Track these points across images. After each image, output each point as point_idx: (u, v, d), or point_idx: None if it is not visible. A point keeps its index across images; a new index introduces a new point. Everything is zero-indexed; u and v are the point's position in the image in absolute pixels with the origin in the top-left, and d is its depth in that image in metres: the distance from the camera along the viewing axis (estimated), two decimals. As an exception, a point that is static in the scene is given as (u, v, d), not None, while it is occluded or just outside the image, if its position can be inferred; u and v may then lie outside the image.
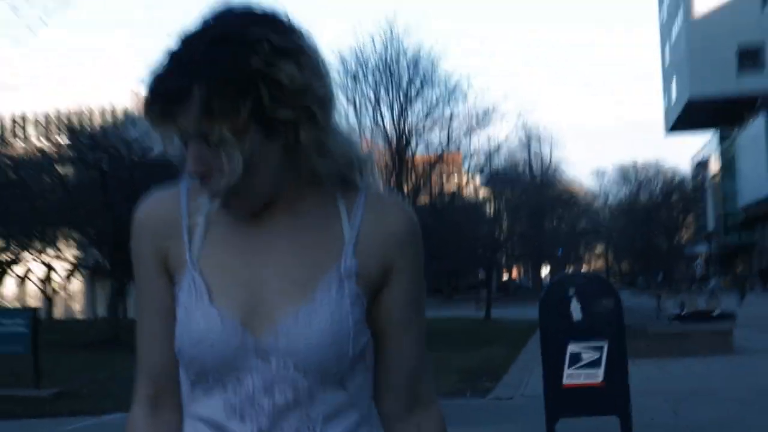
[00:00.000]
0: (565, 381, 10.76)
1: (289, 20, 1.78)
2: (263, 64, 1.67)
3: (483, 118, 43.71)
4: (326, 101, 1.77)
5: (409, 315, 1.90)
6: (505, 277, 77.69)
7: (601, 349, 10.73)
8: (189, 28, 1.82)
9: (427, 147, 44.14)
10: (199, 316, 1.76)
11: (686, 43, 79.36)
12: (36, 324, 20.15)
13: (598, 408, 10.98)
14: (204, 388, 1.82)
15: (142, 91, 1.76)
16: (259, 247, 1.84)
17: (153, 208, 1.91)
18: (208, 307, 1.76)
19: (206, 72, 1.67)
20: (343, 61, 42.24)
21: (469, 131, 44.09)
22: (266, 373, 1.75)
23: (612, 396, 10.75)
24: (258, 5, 1.81)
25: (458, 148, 46.72)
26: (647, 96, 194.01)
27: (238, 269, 1.82)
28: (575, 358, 10.75)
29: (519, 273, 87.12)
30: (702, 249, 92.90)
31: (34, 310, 24.65)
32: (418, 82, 42.18)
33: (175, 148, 1.79)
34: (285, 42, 1.72)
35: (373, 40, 45.40)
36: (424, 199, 44.24)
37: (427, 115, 42.72)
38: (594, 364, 10.74)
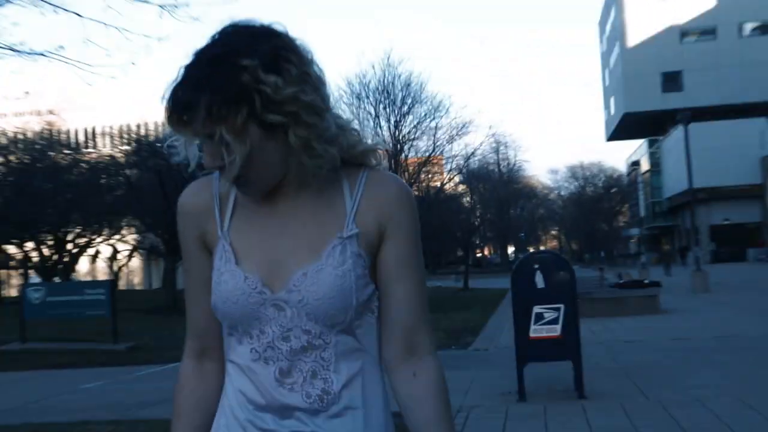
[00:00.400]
0: (532, 334, 10.91)
1: (284, 35, 1.79)
2: (252, 80, 1.67)
3: (461, 129, 43.76)
4: (314, 107, 1.74)
5: (403, 270, 1.85)
6: (479, 254, 77.41)
7: (558, 310, 10.92)
8: (198, 47, 1.87)
9: (416, 152, 44.25)
10: (228, 277, 1.78)
11: (621, 69, 79.33)
12: (113, 292, 20.83)
13: (557, 355, 11.09)
14: (236, 338, 1.82)
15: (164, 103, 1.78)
16: (276, 221, 1.82)
17: (191, 197, 1.93)
18: (234, 269, 1.77)
19: (207, 87, 1.68)
20: (350, 84, 42.12)
21: (451, 139, 44.08)
22: (283, 322, 1.75)
23: (567, 346, 10.89)
24: (257, 23, 1.82)
25: (441, 153, 46.60)
26: (592, 110, 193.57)
27: (259, 239, 1.82)
28: (539, 317, 10.91)
29: (489, 251, 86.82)
30: (635, 231, 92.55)
31: (113, 281, 25.15)
32: (409, 101, 42.09)
33: (195, 151, 1.80)
34: (273, 59, 1.71)
35: (373, 67, 45.49)
36: (414, 192, 44.47)
37: (416, 127, 42.62)
38: (553, 321, 10.91)
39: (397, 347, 1.81)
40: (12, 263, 53.15)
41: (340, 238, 1.74)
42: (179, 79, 1.75)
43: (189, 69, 1.74)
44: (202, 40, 1.80)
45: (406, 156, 43.27)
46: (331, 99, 1.78)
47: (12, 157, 36.85)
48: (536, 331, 11.00)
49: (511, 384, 11.01)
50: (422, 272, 1.88)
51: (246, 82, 1.66)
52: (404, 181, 1.88)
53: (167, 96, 1.75)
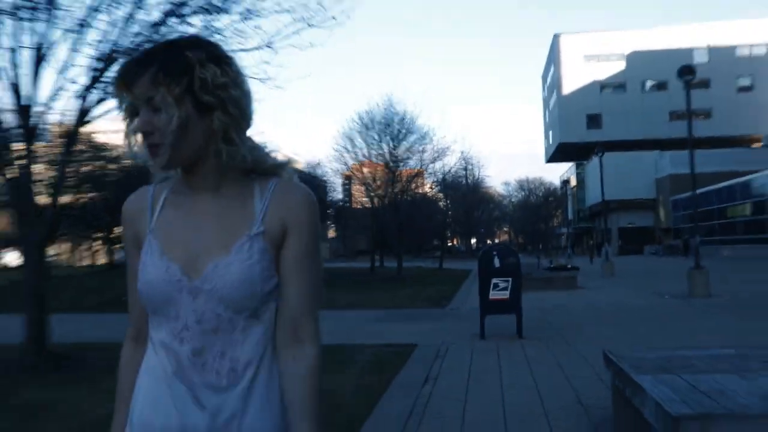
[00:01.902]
0: (490, 297, 11.50)
1: (229, 53, 1.66)
2: (196, 62, 1.55)
3: (441, 153, 44.23)
4: (240, 102, 1.61)
5: (298, 267, 1.64)
6: (450, 244, 77.37)
7: (508, 281, 11.49)
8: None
9: (408, 167, 44.80)
10: (151, 266, 1.60)
11: (558, 111, 78.74)
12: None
13: (506, 311, 11.48)
14: (158, 320, 1.62)
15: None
16: (195, 219, 1.64)
17: (129, 204, 1.73)
18: (158, 260, 1.60)
19: (156, 60, 1.55)
20: (360, 117, 42.46)
21: (433, 160, 44.55)
22: (196, 307, 1.57)
23: (512, 305, 11.41)
24: (212, 40, 1.70)
25: (426, 169, 47.10)
26: (536, 139, 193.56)
27: (181, 235, 1.63)
28: (495, 285, 11.49)
29: (457, 242, 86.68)
30: (564, 230, 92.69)
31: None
32: (403, 131, 42.46)
33: (138, 148, 1.61)
34: (216, 57, 1.60)
35: (378, 105, 46.19)
36: (407, 197, 44.74)
37: (408, 150, 42.78)
38: (504, 289, 11.48)
39: (285, 333, 1.64)
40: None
41: (248, 236, 1.59)
42: (138, 54, 1.62)
43: (143, 50, 1.63)
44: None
45: (400, 170, 43.87)
46: (252, 121, 1.66)
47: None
48: (493, 295, 11.55)
49: (475, 329, 11.54)
50: (317, 269, 1.69)
51: (190, 63, 1.55)
52: (309, 190, 1.68)
53: (119, 67, 1.62)
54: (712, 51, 72.96)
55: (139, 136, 1.55)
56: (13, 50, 8.90)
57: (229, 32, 10.33)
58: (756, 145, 69.54)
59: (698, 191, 53.88)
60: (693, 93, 63.79)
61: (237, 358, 1.56)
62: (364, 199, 46.68)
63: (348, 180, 56.88)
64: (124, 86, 1.54)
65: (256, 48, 9.57)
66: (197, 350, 1.55)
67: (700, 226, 55.89)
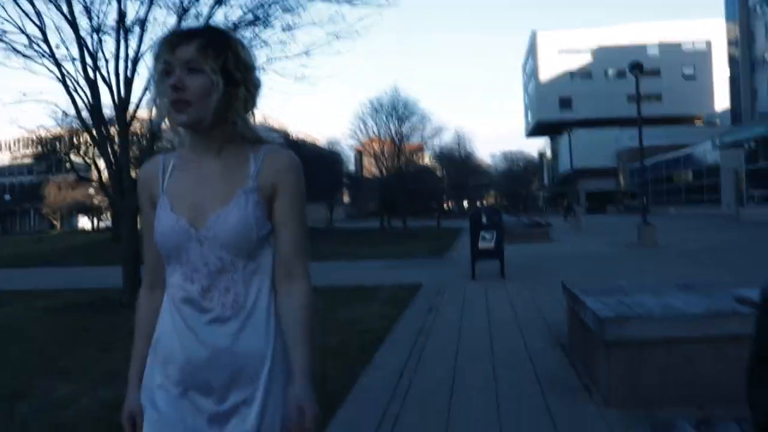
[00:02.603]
0: (479, 246, 11.94)
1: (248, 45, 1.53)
2: (233, 44, 1.56)
3: (438, 131, 44.75)
4: (257, 85, 1.61)
5: (288, 216, 1.60)
6: (445, 206, 77.94)
7: (493, 234, 11.89)
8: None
9: (410, 142, 45.25)
10: (164, 220, 1.57)
11: (535, 94, 78.48)
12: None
13: (492, 257, 11.92)
14: (172, 266, 1.59)
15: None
16: (200, 179, 1.59)
17: (144, 170, 1.68)
18: (169, 214, 1.57)
19: (203, 33, 1.55)
20: (371, 102, 42.95)
21: (432, 136, 45.08)
22: (203, 251, 1.54)
23: (497, 252, 11.86)
24: None
25: (426, 143, 47.64)
26: (518, 117, 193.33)
27: (188, 192, 1.59)
28: (483, 237, 11.90)
29: (452, 204, 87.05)
30: (541, 193, 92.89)
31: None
32: (407, 112, 43.21)
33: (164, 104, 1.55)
34: (244, 46, 1.60)
35: (386, 93, 46.63)
36: (411, 167, 45.22)
37: (411, 128, 43.67)
38: (490, 240, 11.88)
39: (280, 272, 1.60)
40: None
41: (243, 190, 1.56)
42: (185, 28, 1.61)
43: (190, 27, 1.62)
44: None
45: (405, 144, 44.41)
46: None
47: None
48: (482, 245, 11.98)
49: (468, 272, 12.02)
50: (303, 220, 1.65)
51: (228, 44, 1.55)
52: (294, 155, 1.65)
53: (168, 33, 1.59)
54: (662, 46, 72.76)
55: (169, 93, 1.51)
56: (116, 60, 9.61)
57: (273, 42, 10.99)
58: (698, 122, 69.75)
59: (649, 161, 54.35)
60: (646, 80, 63.91)
61: (239, 293, 1.54)
62: (373, 169, 47.08)
63: (359, 154, 57.16)
64: (169, 48, 1.51)
65: (297, 55, 10.24)
66: (205, 288, 1.54)
67: (651, 189, 56.39)
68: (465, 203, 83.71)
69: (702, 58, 72.70)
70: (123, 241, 10.03)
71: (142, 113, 10.64)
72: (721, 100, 64.88)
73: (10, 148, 79.30)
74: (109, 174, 10.27)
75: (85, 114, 10.49)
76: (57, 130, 26.99)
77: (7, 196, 67.79)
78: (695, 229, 27.16)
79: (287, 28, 10.88)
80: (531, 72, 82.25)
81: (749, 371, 1.52)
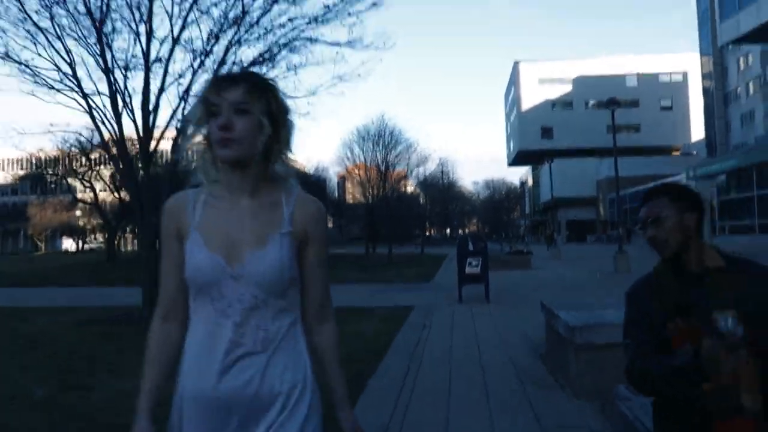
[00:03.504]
0: (466, 272, 12.83)
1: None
2: (273, 88, 1.62)
3: (423, 159, 45.60)
4: (292, 128, 1.66)
5: (317, 267, 1.67)
6: (428, 233, 78.28)
7: (479, 260, 12.77)
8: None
9: (395, 170, 46.09)
10: (199, 255, 1.57)
11: (518, 123, 79.64)
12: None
13: (477, 281, 12.75)
14: (202, 299, 1.59)
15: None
16: (235, 217, 1.61)
17: (172, 202, 1.67)
18: (204, 250, 1.57)
19: (248, 78, 1.60)
20: (359, 131, 43.81)
21: (417, 164, 45.87)
22: (237, 288, 1.56)
23: (482, 277, 12.71)
24: None
25: (411, 171, 48.39)
26: (500, 146, 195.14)
27: (222, 229, 1.60)
28: (469, 263, 12.78)
29: (434, 231, 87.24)
30: (522, 221, 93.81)
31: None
32: (393, 142, 43.99)
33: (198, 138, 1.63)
34: (280, 91, 1.65)
35: (373, 122, 47.57)
36: (395, 194, 45.90)
37: (397, 156, 44.31)
38: (476, 266, 12.76)
39: (313, 315, 1.68)
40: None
41: (280, 233, 1.60)
42: (230, 73, 1.69)
43: (233, 72, 1.72)
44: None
45: (391, 172, 45.29)
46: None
47: None
48: (468, 270, 12.87)
49: (455, 295, 12.95)
50: (328, 266, 1.73)
51: (270, 88, 1.62)
52: (321, 204, 1.72)
53: (214, 77, 1.70)
54: (641, 78, 74.75)
55: (216, 133, 1.56)
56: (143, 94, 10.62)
57: (280, 80, 12.05)
58: (675, 153, 71.56)
59: (628, 191, 55.79)
60: (624, 111, 64.90)
61: (269, 330, 1.58)
62: (357, 194, 47.82)
63: (343, 179, 57.95)
64: (216, 91, 1.57)
65: (305, 96, 11.33)
66: (238, 323, 1.56)
67: (630, 219, 57.79)
68: (448, 230, 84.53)
69: (679, 89, 74.70)
70: (143, 262, 10.90)
71: (163, 144, 11.59)
72: (698, 131, 66.91)
73: (3, 168, 79.36)
74: (131, 198, 11.19)
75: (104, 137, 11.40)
76: (54, 153, 27.75)
77: (-9, 217, 67.88)
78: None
79: (293, 68, 11.94)
80: (513, 101, 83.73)
81: (629, 364, 1.99)
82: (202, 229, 1.61)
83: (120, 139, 10.81)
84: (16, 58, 10.55)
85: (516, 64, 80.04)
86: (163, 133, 11.09)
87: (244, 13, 11.51)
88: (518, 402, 5.16)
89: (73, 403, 5.32)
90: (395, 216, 43.84)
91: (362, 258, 36.17)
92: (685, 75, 73.80)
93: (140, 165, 11.22)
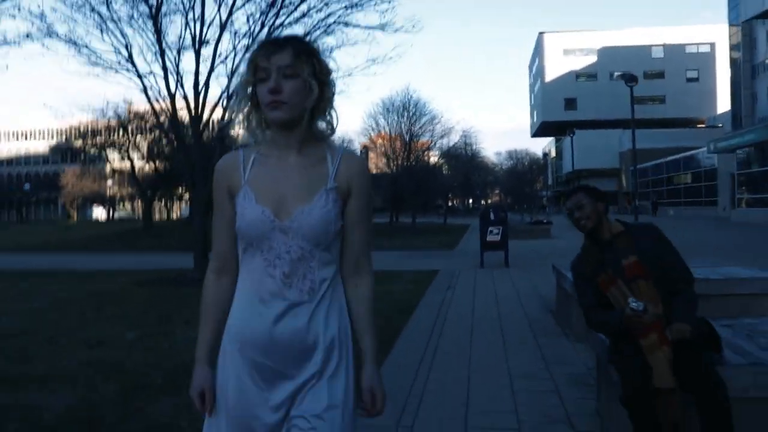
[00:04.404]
0: (487, 239, 13.79)
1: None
2: (316, 51, 1.67)
3: (447, 131, 46.15)
4: (334, 88, 1.70)
5: (358, 218, 1.70)
6: (451, 203, 78.73)
7: (500, 229, 13.72)
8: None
9: (419, 140, 46.79)
10: (249, 210, 1.63)
11: (541, 94, 79.79)
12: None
13: (498, 248, 13.73)
14: (252, 252, 1.65)
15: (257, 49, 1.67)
16: (283, 173, 1.66)
17: (223, 162, 1.73)
18: (254, 205, 1.63)
19: (294, 42, 1.65)
20: (384, 103, 44.49)
21: (441, 135, 46.46)
22: (286, 241, 1.61)
23: (502, 244, 13.70)
24: None
25: (434, 143, 49.04)
26: (524, 117, 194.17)
27: (271, 185, 1.65)
28: (491, 231, 13.73)
29: (457, 202, 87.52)
30: (545, 193, 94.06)
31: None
32: (417, 113, 44.70)
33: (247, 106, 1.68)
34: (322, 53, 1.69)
35: (398, 93, 48.21)
36: (419, 164, 46.63)
37: (421, 127, 44.99)
38: (497, 234, 13.71)
39: (350, 266, 1.72)
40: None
41: (325, 189, 1.64)
42: (278, 37, 1.71)
43: (279, 36, 1.73)
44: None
45: (416, 142, 46.03)
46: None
47: None
48: (489, 238, 13.83)
49: (477, 261, 14.01)
50: (371, 219, 1.77)
51: (315, 51, 1.67)
52: (365, 160, 1.81)
53: (262, 42, 1.71)
54: (667, 48, 74.11)
55: (267, 97, 1.61)
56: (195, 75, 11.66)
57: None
58: (700, 125, 71.24)
59: (651, 163, 55.95)
60: (650, 82, 64.67)
61: (314, 280, 1.64)
62: (380, 164, 48.51)
63: (366, 149, 58.67)
64: (264, 56, 1.62)
65: (341, 77, 12.31)
66: (286, 273, 1.62)
67: (652, 191, 58.14)
68: (470, 201, 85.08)
69: (706, 61, 74.09)
70: (194, 227, 12.06)
71: (214, 118, 12.65)
72: (724, 104, 66.53)
73: (45, 137, 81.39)
74: (188, 169, 12.30)
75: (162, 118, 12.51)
76: (93, 124, 29.05)
77: (27, 186, 69.90)
78: (685, 228, 29.07)
79: (328, 50, 12.91)
80: (537, 72, 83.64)
81: (585, 315, 3.24)
82: (253, 185, 1.67)
83: (173, 116, 11.89)
84: (80, 42, 11.64)
85: (540, 35, 79.75)
86: (214, 108, 12.16)
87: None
88: (529, 345, 6.21)
89: (161, 346, 6.41)
90: (419, 186, 44.51)
91: (387, 227, 37.22)
92: (712, 46, 72.91)
93: (192, 138, 12.29)
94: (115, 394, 4.63)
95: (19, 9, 11.35)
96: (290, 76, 1.61)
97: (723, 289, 5.93)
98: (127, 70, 11.86)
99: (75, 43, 11.78)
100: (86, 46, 11.78)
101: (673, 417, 2.78)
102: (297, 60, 1.61)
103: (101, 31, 11.38)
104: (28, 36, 12.07)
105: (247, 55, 1.70)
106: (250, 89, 1.66)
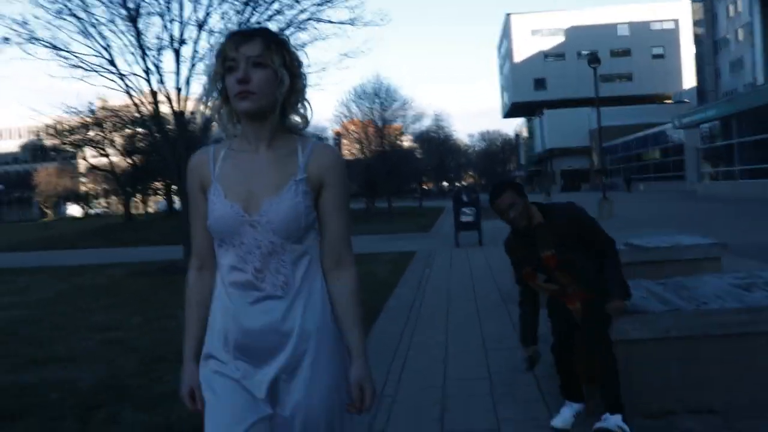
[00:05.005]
0: (461, 220, 14.42)
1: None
2: (287, 42, 1.64)
3: (419, 116, 46.71)
4: (305, 80, 1.69)
5: (334, 212, 1.67)
6: (424, 186, 78.90)
7: (473, 210, 14.36)
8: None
9: (392, 125, 47.40)
10: (219, 205, 1.61)
11: (510, 74, 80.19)
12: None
13: (471, 228, 14.35)
14: (225, 248, 1.64)
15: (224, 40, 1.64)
16: (253, 167, 1.64)
17: (195, 158, 1.72)
18: (223, 200, 1.61)
19: (264, 33, 1.63)
20: (355, 89, 44.78)
21: (413, 121, 47.03)
22: (256, 235, 1.60)
23: (476, 225, 14.34)
24: None
25: (407, 128, 49.62)
26: (494, 98, 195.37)
27: (241, 179, 1.63)
28: (464, 213, 14.39)
29: (431, 185, 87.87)
30: (518, 173, 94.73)
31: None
32: (388, 98, 45.20)
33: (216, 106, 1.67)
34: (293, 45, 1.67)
35: (369, 81, 48.69)
36: (392, 149, 47.17)
37: (392, 113, 45.54)
38: (470, 215, 14.37)
39: (330, 261, 1.69)
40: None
41: (294, 180, 1.62)
42: (245, 29, 1.71)
43: (248, 27, 1.70)
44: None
45: (388, 127, 46.59)
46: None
47: None
48: (464, 218, 14.47)
49: (452, 242, 14.62)
50: (348, 211, 1.73)
51: (285, 42, 1.65)
52: (338, 151, 1.72)
53: (232, 31, 1.68)
54: (633, 26, 75.23)
55: (235, 87, 1.58)
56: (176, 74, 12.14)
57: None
58: (667, 101, 72.48)
59: (621, 140, 57.05)
60: (616, 60, 65.69)
61: (288, 274, 1.62)
62: (354, 151, 48.93)
63: (338, 136, 59.09)
64: (233, 46, 1.59)
65: (316, 72, 12.91)
66: (258, 269, 1.61)
67: (622, 167, 59.33)
68: (444, 184, 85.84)
69: (670, 37, 75.26)
70: (182, 218, 12.58)
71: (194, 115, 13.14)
72: (689, 79, 67.90)
73: (12, 136, 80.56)
74: (171, 164, 12.78)
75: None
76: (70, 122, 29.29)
77: (1, 186, 69.42)
78: (653, 202, 30.20)
79: (301, 46, 13.47)
80: (505, 53, 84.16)
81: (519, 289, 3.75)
82: (222, 181, 1.65)
83: (156, 113, 12.40)
84: (62, 47, 12.08)
85: (508, 17, 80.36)
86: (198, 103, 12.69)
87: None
88: (499, 313, 6.93)
89: (168, 326, 6.96)
90: (393, 171, 45.02)
91: (363, 212, 37.79)
92: (676, 22, 74.18)
93: (176, 133, 12.77)
94: (136, 367, 5.27)
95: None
96: (260, 65, 1.60)
97: (672, 255, 6.72)
98: (109, 71, 12.31)
99: (56, 48, 12.18)
100: (67, 50, 12.19)
101: (587, 369, 3.63)
102: (267, 50, 1.61)
103: (84, 35, 11.82)
104: (6, 40, 12.49)
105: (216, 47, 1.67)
106: (219, 82, 1.65)
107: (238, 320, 1.63)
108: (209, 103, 1.69)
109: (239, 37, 1.61)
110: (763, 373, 3.68)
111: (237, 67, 1.59)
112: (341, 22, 13.43)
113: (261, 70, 1.59)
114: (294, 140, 1.69)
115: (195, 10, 12.52)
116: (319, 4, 12.79)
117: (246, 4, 12.87)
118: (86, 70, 12.42)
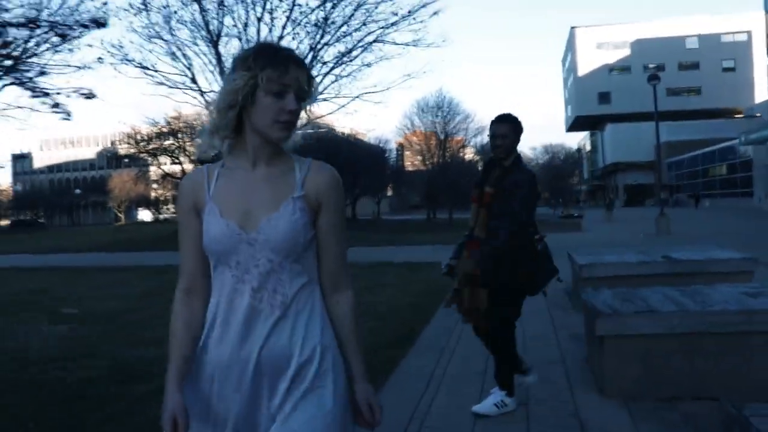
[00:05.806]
0: None
1: None
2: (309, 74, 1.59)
3: (481, 128, 47.04)
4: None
5: (331, 234, 1.66)
6: None
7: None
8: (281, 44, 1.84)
9: (454, 138, 47.96)
10: (214, 225, 1.59)
11: (575, 88, 79.69)
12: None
13: None
14: (221, 268, 1.61)
15: (270, 50, 1.60)
16: (250, 185, 1.62)
17: (188, 179, 1.70)
18: (218, 219, 1.59)
19: (304, 63, 1.62)
20: (418, 103, 45.66)
21: (475, 133, 47.57)
22: (253, 254, 1.57)
23: None
24: None
25: (469, 141, 50.12)
26: (558, 112, 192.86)
27: (237, 197, 1.61)
28: None
29: None
30: (582, 188, 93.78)
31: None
32: (450, 113, 45.85)
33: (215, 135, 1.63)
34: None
35: (432, 94, 49.56)
36: (454, 161, 47.68)
37: (455, 126, 46.25)
38: None
39: (328, 284, 1.67)
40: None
41: (292, 198, 1.60)
42: (286, 49, 1.64)
43: (292, 52, 1.63)
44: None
45: (450, 139, 47.22)
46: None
47: None
48: None
49: None
50: (345, 233, 1.71)
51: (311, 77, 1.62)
52: (335, 171, 1.67)
53: (281, 48, 1.64)
54: (702, 38, 73.99)
55: (281, 114, 1.57)
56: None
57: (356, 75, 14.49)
58: (738, 116, 70.78)
59: (687, 155, 56.06)
60: (684, 74, 64.50)
61: (285, 294, 1.60)
62: (416, 162, 49.78)
63: (401, 147, 59.81)
64: (283, 69, 1.56)
65: (381, 91, 13.89)
66: (255, 288, 1.58)
67: (687, 183, 58.35)
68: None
69: (742, 50, 73.63)
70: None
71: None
72: (762, 93, 66.18)
73: (90, 144, 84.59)
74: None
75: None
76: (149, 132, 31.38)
77: (78, 190, 73.06)
78: (717, 219, 29.88)
79: (367, 65, 14.45)
80: (570, 67, 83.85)
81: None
82: (218, 200, 1.63)
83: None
84: (149, 66, 13.38)
85: (572, 30, 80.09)
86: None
87: (326, 19, 14.05)
88: (543, 317, 7.63)
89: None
90: (454, 182, 45.51)
91: (423, 223, 38.49)
92: (749, 34, 72.41)
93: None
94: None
95: (102, 42, 13.10)
96: (300, 98, 1.60)
97: (705, 268, 7.32)
98: (190, 88, 13.54)
99: (144, 67, 13.49)
100: (155, 69, 13.49)
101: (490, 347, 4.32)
102: (309, 83, 1.61)
103: (171, 56, 13.08)
104: (100, 60, 13.87)
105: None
106: (240, 96, 1.57)
107: (234, 345, 1.61)
108: (223, 117, 1.61)
109: (290, 63, 1.59)
110: (758, 365, 4.34)
111: (284, 93, 1.57)
112: (405, 44, 14.34)
113: (297, 102, 1.59)
114: (290, 158, 1.69)
115: (270, 32, 13.60)
116: (385, 27, 13.73)
117: (316, 26, 13.93)
118: (170, 87, 13.68)
